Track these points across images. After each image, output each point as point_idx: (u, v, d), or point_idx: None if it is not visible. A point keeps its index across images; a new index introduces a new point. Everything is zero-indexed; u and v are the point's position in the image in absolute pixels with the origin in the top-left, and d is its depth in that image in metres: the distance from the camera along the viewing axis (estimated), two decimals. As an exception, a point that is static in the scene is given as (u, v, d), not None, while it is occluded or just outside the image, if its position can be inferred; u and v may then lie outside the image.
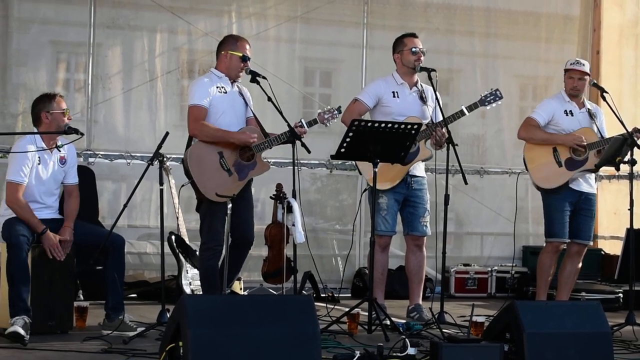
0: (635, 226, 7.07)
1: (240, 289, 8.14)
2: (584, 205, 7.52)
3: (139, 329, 6.25)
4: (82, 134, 6.34)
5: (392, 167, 7.05)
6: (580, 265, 7.63)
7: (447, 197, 6.95)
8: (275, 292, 8.48)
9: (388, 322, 6.58)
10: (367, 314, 6.57)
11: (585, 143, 7.35)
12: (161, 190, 6.43)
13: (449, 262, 8.12)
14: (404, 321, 6.88)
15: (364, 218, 9.18)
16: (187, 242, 7.83)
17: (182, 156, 6.76)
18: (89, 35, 8.68)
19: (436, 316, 6.85)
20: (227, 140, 6.63)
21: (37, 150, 6.30)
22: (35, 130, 6.43)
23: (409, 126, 6.54)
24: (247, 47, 6.82)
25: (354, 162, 7.66)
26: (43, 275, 6.29)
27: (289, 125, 6.62)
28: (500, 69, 10.01)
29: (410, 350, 5.41)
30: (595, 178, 7.78)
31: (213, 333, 4.54)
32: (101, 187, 8.65)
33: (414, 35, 7.44)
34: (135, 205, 8.67)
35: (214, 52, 6.95)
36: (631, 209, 7.06)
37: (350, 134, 6.45)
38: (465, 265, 9.62)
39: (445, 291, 8.18)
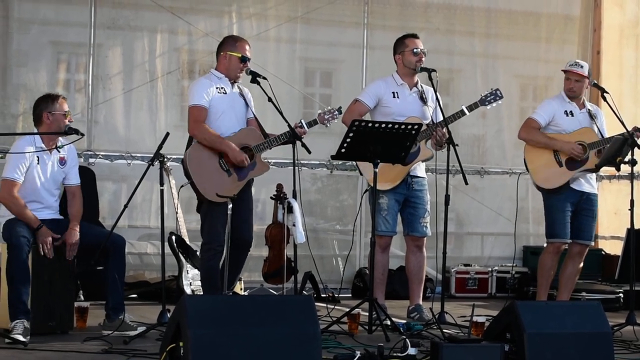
0: (636, 226, 7.06)
1: (241, 289, 8.14)
2: (585, 206, 7.51)
3: (140, 329, 6.25)
4: (83, 135, 6.35)
5: (393, 167, 7.05)
6: (581, 265, 7.62)
7: (447, 197, 6.95)
8: (275, 293, 8.48)
9: (388, 323, 6.58)
10: (367, 314, 6.57)
11: (581, 153, 7.34)
12: (161, 191, 6.43)
13: (449, 262, 8.12)
14: (404, 321, 6.88)
15: (365, 218, 9.18)
16: (188, 242, 7.83)
17: (183, 157, 6.75)
18: (90, 35, 8.69)
19: (437, 316, 6.85)
20: (222, 150, 6.62)
21: (36, 151, 6.30)
22: (35, 130, 6.44)
23: (410, 126, 6.54)
24: (247, 47, 6.82)
25: (354, 162, 7.66)
26: (43, 275, 6.29)
27: (289, 125, 6.62)
28: (500, 69, 10.01)
29: (411, 351, 5.41)
30: (596, 178, 7.78)
31: (213, 333, 4.54)
32: (101, 188, 8.65)
33: (415, 36, 7.44)
34: (136, 206, 8.67)
35: (215, 52, 6.95)
36: (632, 209, 7.06)
37: (351, 135, 6.45)
38: (465, 265, 9.62)
39: (446, 291, 8.17)
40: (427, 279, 7.91)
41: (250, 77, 6.77)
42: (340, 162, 9.17)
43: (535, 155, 7.50)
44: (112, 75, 8.83)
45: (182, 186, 6.96)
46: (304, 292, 8.23)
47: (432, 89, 7.29)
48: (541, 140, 7.46)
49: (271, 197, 8.20)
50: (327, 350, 5.55)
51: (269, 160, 7.95)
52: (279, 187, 8.01)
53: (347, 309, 6.76)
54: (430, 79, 7.12)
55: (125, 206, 6.42)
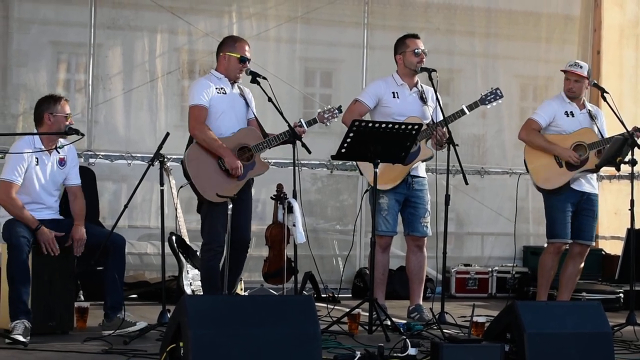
0: (636, 226, 7.06)
1: (241, 289, 8.14)
2: (586, 206, 7.51)
3: (139, 324, 6.25)
4: (83, 135, 6.35)
5: (393, 167, 7.05)
6: (582, 265, 7.62)
7: (447, 197, 6.95)
8: (275, 293, 8.48)
9: (389, 323, 6.58)
10: (367, 314, 6.57)
11: (577, 162, 7.34)
12: (162, 191, 6.43)
13: (449, 262, 8.12)
14: (404, 321, 6.88)
15: (365, 218, 9.18)
16: (188, 242, 7.83)
17: (183, 157, 6.75)
18: (90, 35, 8.69)
19: (437, 316, 6.85)
20: (219, 154, 6.62)
21: (34, 152, 6.30)
22: (35, 130, 6.44)
23: (410, 126, 6.54)
24: (246, 48, 6.82)
25: (354, 162, 7.66)
26: (43, 275, 6.29)
27: (289, 125, 6.62)
28: (500, 69, 10.01)
29: (411, 351, 5.41)
30: (596, 178, 7.77)
31: (214, 333, 4.54)
32: (102, 188, 8.65)
33: (416, 37, 7.43)
34: (136, 206, 8.67)
35: (215, 52, 6.95)
36: (632, 209, 7.06)
37: (351, 135, 6.45)
38: (465, 265, 9.62)
39: (446, 291, 8.17)
40: (427, 279, 7.92)
41: (250, 77, 6.77)
42: (340, 162, 9.17)
43: (535, 156, 7.50)
44: (112, 75, 8.83)
45: (181, 187, 6.95)
46: (304, 292, 8.23)
47: (432, 88, 7.29)
48: (540, 144, 7.46)
49: (271, 197, 8.20)
50: (327, 350, 5.55)
51: (269, 160, 7.95)
52: (279, 187, 8.01)
53: (347, 309, 6.76)
54: (431, 79, 7.12)
55: (126, 206, 6.42)
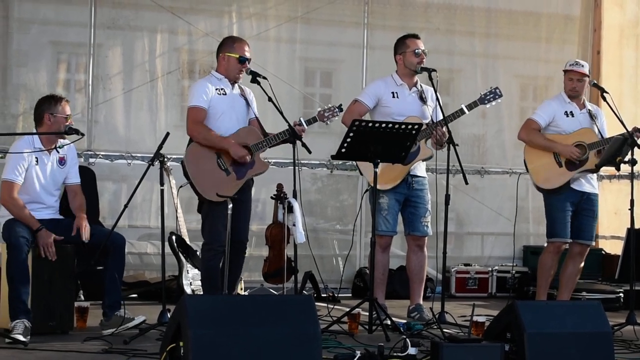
0: (636, 226, 7.06)
1: (241, 289, 8.14)
2: (586, 206, 7.51)
3: (137, 318, 6.26)
4: (83, 135, 6.35)
5: (393, 167, 7.05)
6: (582, 265, 7.62)
7: (447, 197, 6.95)
8: (275, 292, 8.48)
9: (389, 322, 6.58)
10: (367, 314, 6.57)
11: (579, 157, 7.34)
12: (162, 191, 6.44)
13: (449, 262, 8.12)
14: (404, 321, 6.88)
15: (365, 218, 9.18)
16: (188, 242, 7.83)
17: (183, 157, 6.75)
18: (90, 35, 8.69)
19: (437, 316, 6.85)
20: (222, 147, 6.62)
21: (34, 151, 6.30)
22: (35, 130, 6.44)
23: (410, 126, 6.54)
24: (246, 48, 6.81)
25: (354, 162, 7.66)
26: (43, 275, 6.29)
27: (289, 124, 6.61)
28: (500, 69, 10.01)
29: (411, 350, 5.41)
30: (597, 178, 7.77)
31: (214, 333, 4.54)
32: (102, 188, 8.65)
33: (416, 37, 7.43)
34: (136, 206, 8.67)
35: (215, 52, 6.95)
36: (632, 209, 7.06)
37: (351, 134, 6.45)
38: (465, 265, 9.62)
39: (446, 291, 8.18)
40: (428, 279, 7.92)
41: (250, 77, 6.77)
42: (340, 162, 9.17)
43: (535, 156, 7.50)
44: (112, 75, 8.83)
45: (181, 186, 6.95)
46: (304, 291, 8.24)
47: (431, 88, 7.29)
48: (540, 143, 7.46)
49: (271, 197, 8.20)
50: (328, 350, 5.54)
51: (269, 160, 7.95)
52: (279, 187, 8.02)
53: (348, 309, 6.76)
54: (431, 79, 7.12)
55: (126, 206, 6.42)
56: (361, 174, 7.48)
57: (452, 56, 9.92)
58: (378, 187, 6.90)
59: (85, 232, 6.34)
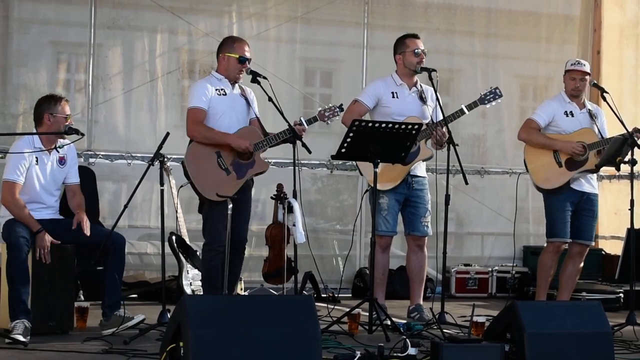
0: (636, 226, 7.06)
1: (241, 289, 8.14)
2: (586, 206, 7.51)
3: (137, 317, 6.26)
4: (83, 135, 6.35)
5: (393, 167, 7.05)
6: (581, 265, 7.62)
7: (447, 197, 6.95)
8: (275, 293, 8.48)
9: (389, 323, 6.58)
10: (367, 314, 6.57)
11: (582, 152, 7.34)
12: (162, 191, 6.44)
13: (449, 262, 8.12)
14: (404, 321, 6.88)
15: (365, 218, 9.18)
16: (188, 242, 7.83)
17: (183, 157, 6.76)
18: (90, 35, 8.69)
19: (437, 316, 6.85)
20: (224, 142, 6.63)
21: (34, 151, 6.30)
22: (35, 130, 6.44)
23: (410, 126, 6.54)
24: (246, 48, 6.81)
25: (354, 162, 7.66)
26: (43, 275, 6.29)
27: (289, 124, 6.61)
28: (500, 69, 10.01)
29: (411, 351, 5.41)
30: (596, 178, 7.76)
31: (214, 333, 4.54)
32: (102, 188, 8.65)
33: (415, 37, 7.43)
34: (136, 206, 8.67)
35: (215, 52, 6.95)
36: (632, 209, 7.06)
37: (351, 134, 6.45)
38: (465, 265, 9.62)
39: (446, 291, 8.18)
40: (428, 279, 7.92)
41: (251, 76, 6.77)
42: (340, 162, 9.17)
43: (535, 156, 7.50)
44: (112, 75, 8.83)
45: (181, 186, 6.95)
46: (304, 292, 8.24)
47: (431, 88, 7.29)
48: (541, 141, 7.46)
49: (271, 197, 8.20)
50: (327, 350, 5.55)
51: (269, 160, 7.95)
52: (279, 187, 8.02)
53: (347, 309, 6.76)
54: (431, 79, 7.12)
55: (126, 206, 6.42)
56: (361, 174, 7.48)
57: (452, 56, 9.92)
58: (378, 187, 6.90)
59: (86, 226, 6.34)
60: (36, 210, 6.33)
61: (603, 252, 9.87)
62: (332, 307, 7.08)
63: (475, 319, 6.20)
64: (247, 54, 6.79)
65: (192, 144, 6.69)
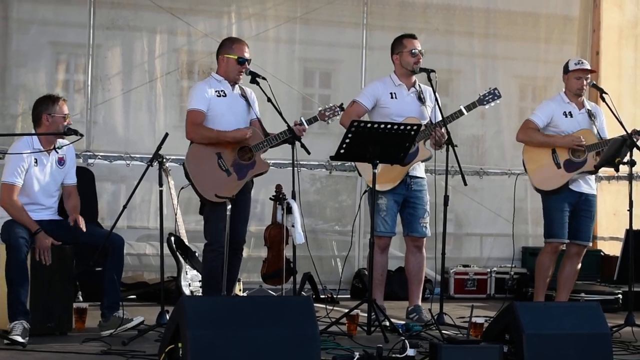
0: (635, 227, 7.07)
1: (240, 290, 8.14)
2: (584, 206, 7.51)
3: (136, 319, 6.26)
4: (82, 135, 6.35)
5: (392, 168, 7.05)
6: (579, 266, 7.62)
7: (446, 198, 6.95)
8: (274, 293, 8.47)
9: (387, 323, 6.58)
10: (366, 315, 6.57)
11: (584, 143, 7.34)
12: (161, 192, 6.43)
13: (448, 263, 8.12)
14: (403, 322, 6.89)
15: (364, 219, 9.18)
16: (187, 243, 7.83)
17: (182, 157, 6.76)
18: (89, 36, 8.69)
19: (435, 317, 6.85)
20: (223, 140, 6.64)
21: (33, 152, 6.30)
22: (34, 131, 6.44)
23: (408, 127, 6.54)
24: (245, 49, 6.81)
25: (353, 163, 7.66)
26: (42, 276, 6.28)
27: (288, 125, 6.62)
28: (499, 70, 10.01)
29: (410, 352, 5.41)
30: (595, 179, 7.77)
31: (212, 334, 4.54)
32: (100, 188, 8.65)
33: (412, 37, 7.43)
34: (135, 207, 8.66)
35: (214, 53, 6.96)
36: (630, 210, 7.06)
37: (350, 135, 6.45)
38: (464, 266, 9.62)
39: (445, 292, 8.18)
40: (426, 280, 7.92)
41: (250, 77, 6.77)
42: (339, 162, 9.16)
43: (534, 157, 7.50)
44: (111, 75, 8.83)
45: (182, 188, 6.95)
46: (302, 293, 8.24)
47: (430, 88, 7.28)
48: (540, 140, 7.46)
49: (270, 198, 8.21)
50: (326, 351, 5.55)
51: (268, 161, 7.94)
52: (278, 188, 8.02)
53: (346, 310, 6.75)
54: (429, 79, 7.12)
55: (124, 207, 6.42)
56: (360, 174, 7.48)
57: (451, 57, 9.92)
58: (377, 188, 6.90)
59: (82, 223, 6.34)
60: (35, 212, 6.33)
61: (602, 253, 9.87)
62: (331, 308, 7.08)
63: (473, 319, 6.20)
64: (246, 55, 6.79)
65: (192, 145, 6.69)
